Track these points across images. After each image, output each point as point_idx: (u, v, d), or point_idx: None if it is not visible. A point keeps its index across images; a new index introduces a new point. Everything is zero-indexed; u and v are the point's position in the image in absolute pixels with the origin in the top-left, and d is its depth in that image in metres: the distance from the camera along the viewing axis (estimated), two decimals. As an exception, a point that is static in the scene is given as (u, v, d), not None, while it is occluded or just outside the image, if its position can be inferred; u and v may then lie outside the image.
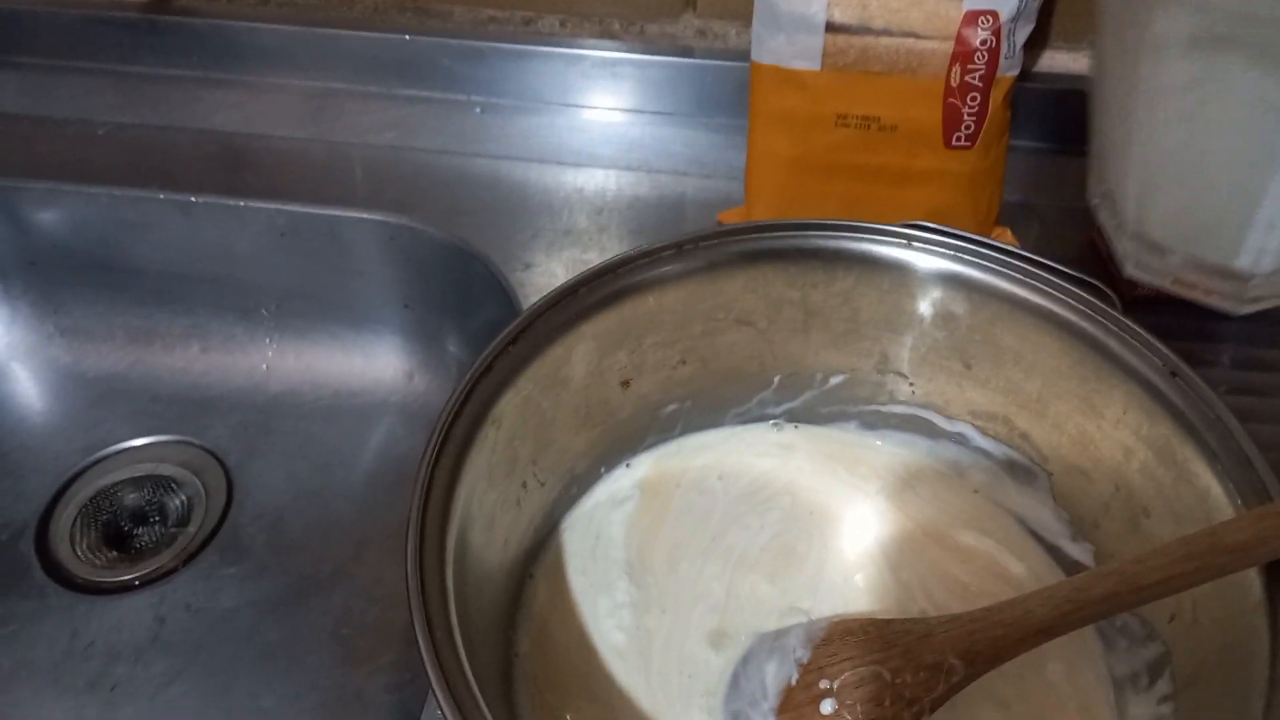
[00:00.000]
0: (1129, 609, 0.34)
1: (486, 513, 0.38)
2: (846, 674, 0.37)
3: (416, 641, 0.30)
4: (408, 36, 0.69)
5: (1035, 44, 0.66)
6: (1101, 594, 0.34)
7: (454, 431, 0.36)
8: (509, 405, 0.38)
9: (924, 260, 0.42)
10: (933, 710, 0.36)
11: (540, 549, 0.44)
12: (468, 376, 0.37)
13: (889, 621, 0.39)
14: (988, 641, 0.35)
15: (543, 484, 0.44)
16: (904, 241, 0.43)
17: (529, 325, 0.39)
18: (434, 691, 0.29)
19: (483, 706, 0.29)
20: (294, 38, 0.71)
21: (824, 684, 0.37)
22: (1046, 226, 0.63)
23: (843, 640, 0.38)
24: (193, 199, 0.65)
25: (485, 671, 0.32)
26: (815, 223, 0.43)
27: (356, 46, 0.71)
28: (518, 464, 0.41)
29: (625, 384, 0.45)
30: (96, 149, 0.70)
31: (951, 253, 0.42)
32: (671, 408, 0.48)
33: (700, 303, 0.44)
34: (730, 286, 0.44)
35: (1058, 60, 0.66)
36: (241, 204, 0.65)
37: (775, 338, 0.46)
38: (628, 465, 0.47)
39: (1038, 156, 0.67)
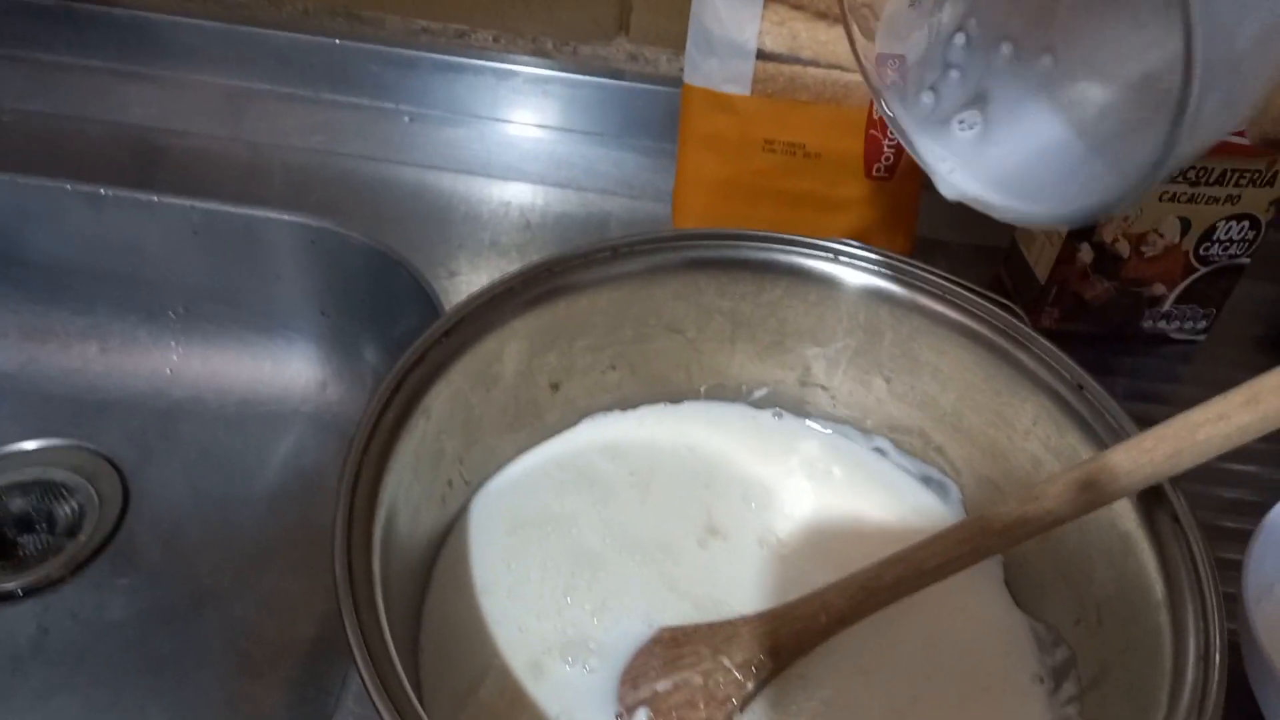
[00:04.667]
0: (918, 590, 0.37)
1: (412, 505, 0.38)
2: (659, 683, 0.38)
3: (341, 623, 0.29)
4: (338, 41, 0.69)
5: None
6: (891, 579, 0.37)
7: (384, 419, 0.35)
8: (439, 397, 0.38)
9: (850, 275, 0.44)
10: (744, 706, 0.38)
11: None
12: (399, 364, 0.37)
13: (698, 627, 0.40)
14: (790, 635, 0.38)
15: (467, 483, 0.43)
16: (831, 255, 0.44)
17: (463, 318, 0.39)
18: (361, 677, 0.28)
19: (412, 697, 0.29)
20: (217, 34, 0.70)
21: (643, 691, 0.38)
22: (956, 261, 0.65)
23: (663, 648, 0.39)
24: (102, 191, 0.63)
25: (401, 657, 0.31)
26: (747, 234, 0.44)
27: (283, 47, 0.70)
28: (444, 459, 0.40)
29: (554, 386, 0.45)
30: (0, 136, 0.67)
31: (876, 269, 0.44)
32: (597, 414, 0.48)
33: (632, 307, 0.45)
34: (662, 293, 0.45)
35: (969, 105, 0.70)
36: (154, 199, 0.63)
37: (703, 348, 0.47)
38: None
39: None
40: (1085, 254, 0.56)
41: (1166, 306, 0.59)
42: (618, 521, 0.44)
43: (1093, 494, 0.34)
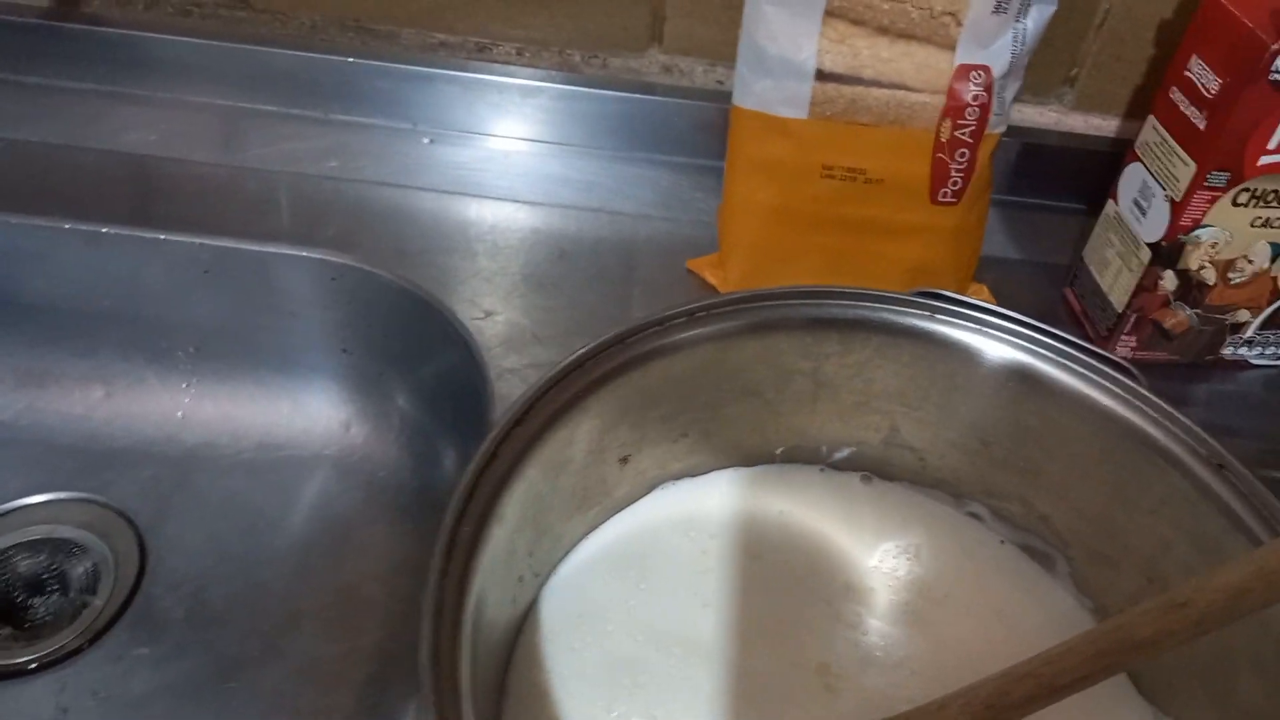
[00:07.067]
0: (1047, 706, 0.33)
1: (488, 618, 0.34)
2: None
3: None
4: (350, 59, 0.64)
5: (1002, 95, 0.65)
6: (1019, 698, 0.33)
7: (460, 534, 0.31)
8: (513, 496, 0.34)
9: (949, 333, 0.40)
10: None
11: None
12: (472, 468, 0.33)
13: None
14: None
15: (536, 575, 0.40)
16: (927, 314, 0.40)
17: (534, 403, 0.35)
18: None
19: None
20: (218, 53, 0.65)
21: None
22: (1017, 280, 0.62)
23: None
24: (103, 229, 0.58)
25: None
26: (833, 290, 0.40)
27: (290, 66, 0.65)
28: (515, 558, 0.37)
29: (624, 460, 0.41)
30: (-14, 168, 0.62)
31: (976, 326, 0.40)
32: (667, 484, 0.44)
33: (707, 373, 0.41)
34: (740, 356, 0.41)
35: (1025, 114, 0.66)
36: (160, 237, 0.58)
37: (782, 409, 0.43)
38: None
39: (1003, 210, 0.66)
40: (1169, 281, 0.52)
41: (1249, 333, 0.55)
42: (682, 613, 0.40)
43: (1252, 601, 0.30)
